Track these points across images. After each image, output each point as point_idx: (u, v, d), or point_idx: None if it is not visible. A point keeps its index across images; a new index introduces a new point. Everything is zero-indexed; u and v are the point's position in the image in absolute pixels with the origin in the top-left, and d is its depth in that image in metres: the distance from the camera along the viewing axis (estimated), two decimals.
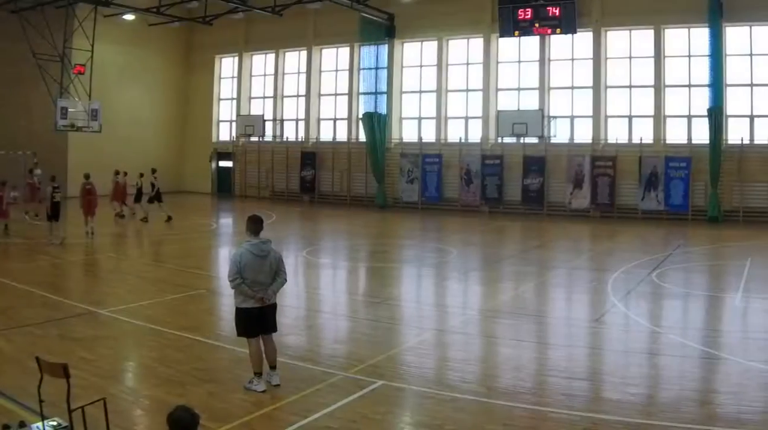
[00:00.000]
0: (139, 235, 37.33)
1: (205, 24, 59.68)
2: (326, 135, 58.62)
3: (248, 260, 12.46)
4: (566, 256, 30.71)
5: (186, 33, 64.52)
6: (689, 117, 46.70)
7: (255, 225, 12.85)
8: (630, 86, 48.41)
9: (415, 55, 55.28)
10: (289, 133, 60.47)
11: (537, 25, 48.79)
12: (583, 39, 48.87)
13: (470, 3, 51.34)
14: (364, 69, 54.68)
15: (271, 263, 12.73)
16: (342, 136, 57.83)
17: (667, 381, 13.28)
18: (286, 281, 13.17)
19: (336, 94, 58.39)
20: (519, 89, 51.48)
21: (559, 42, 49.93)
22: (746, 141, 44.78)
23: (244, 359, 13.22)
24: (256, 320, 12.69)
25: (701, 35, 45.26)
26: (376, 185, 54.07)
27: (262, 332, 12.84)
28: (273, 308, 12.99)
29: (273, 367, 12.87)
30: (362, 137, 54.83)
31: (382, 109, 53.76)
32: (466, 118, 53.30)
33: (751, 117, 45.35)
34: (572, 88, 49.95)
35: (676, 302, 21.27)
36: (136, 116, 60.02)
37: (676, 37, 47.17)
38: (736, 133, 45.03)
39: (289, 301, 19.29)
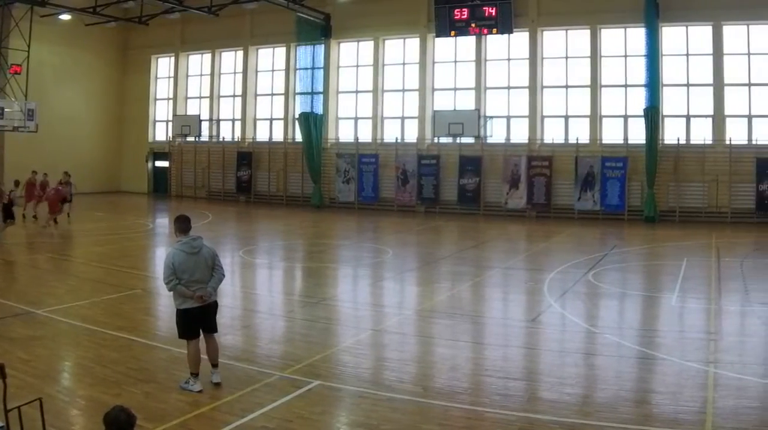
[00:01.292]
0: (75, 235, 34.92)
1: (141, 24, 56.41)
2: (263, 135, 55.95)
3: (181, 260, 11.82)
4: (502, 256, 29.38)
5: (122, 33, 61.02)
6: (625, 117, 44.81)
7: (182, 224, 12.25)
8: (566, 86, 46.33)
9: (352, 55, 52.60)
10: (226, 133, 57.54)
11: (473, 25, 46.84)
12: (520, 39, 46.81)
13: (406, 3, 49.03)
14: (300, 69, 51.78)
15: (206, 260, 12.04)
16: (278, 136, 55.16)
17: (604, 381, 12.88)
18: (223, 276, 12.50)
19: (272, 94, 55.67)
20: (455, 89, 49.22)
21: (495, 42, 47.87)
22: (682, 141, 43.16)
23: (180, 359, 12.84)
24: (198, 321, 12.05)
25: (638, 35, 43.43)
26: (312, 185, 51.25)
27: (204, 332, 12.23)
28: (214, 306, 12.37)
29: (215, 365, 12.26)
30: (299, 137, 52.22)
31: (319, 109, 51.16)
32: (403, 118, 50.77)
33: (688, 117, 43.55)
34: (508, 88, 47.76)
35: (612, 302, 20.31)
36: (73, 116, 57.20)
37: (612, 37, 45.18)
38: (672, 133, 43.41)
39: (226, 301, 18.27)
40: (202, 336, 12.25)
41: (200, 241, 12.15)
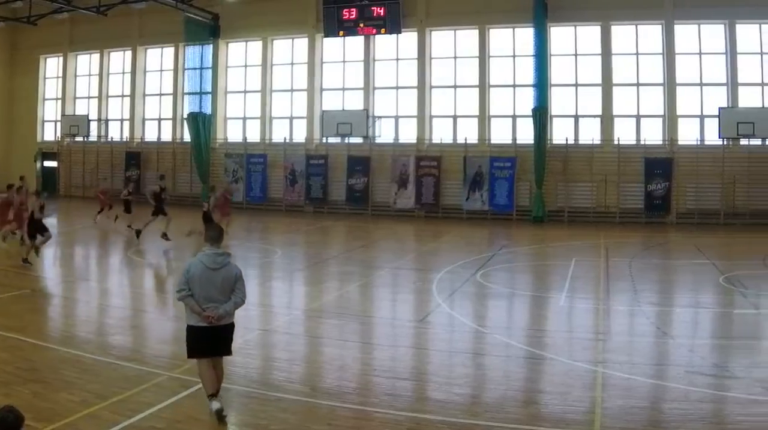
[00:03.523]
0: None
1: (29, 24, 48.72)
2: (151, 135, 48.93)
3: (198, 272, 9.54)
4: (391, 256, 26.66)
5: (10, 33, 52.91)
6: (514, 117, 40.05)
7: (214, 232, 9.98)
8: (455, 86, 41.31)
9: (240, 55, 46.28)
10: (114, 133, 50.00)
11: (362, 25, 41.66)
12: (408, 39, 41.61)
13: (295, 3, 43.27)
14: (188, 69, 45.28)
15: (224, 279, 9.61)
16: (167, 136, 48.25)
17: (492, 381, 11.98)
18: (243, 302, 9.83)
19: (161, 94, 48.43)
20: (344, 89, 43.55)
21: (384, 42, 42.50)
22: (571, 141, 38.85)
23: (69, 359, 12.09)
24: (205, 341, 9.66)
25: (526, 35, 38.94)
26: (201, 185, 44.95)
27: (213, 354, 9.82)
28: (227, 329, 9.83)
29: (212, 395, 9.68)
30: (187, 137, 45.72)
31: (207, 109, 44.82)
32: (291, 118, 44.84)
33: (576, 117, 39.22)
34: (397, 88, 42.37)
35: (500, 303, 18.77)
36: None
37: (500, 37, 40.44)
38: (560, 133, 39.11)
39: (114, 301, 17.75)
40: None
41: (226, 258, 9.84)
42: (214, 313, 9.53)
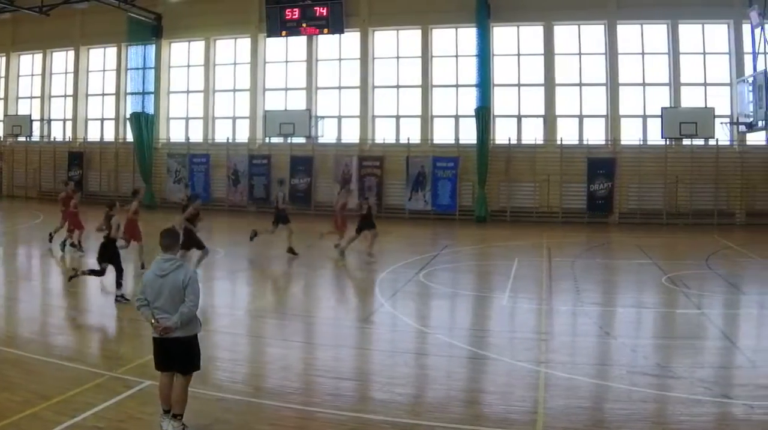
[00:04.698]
0: None
1: None
2: (94, 135, 44.97)
3: (148, 280, 8.49)
4: (335, 255, 23.27)
5: None
6: (457, 117, 37.17)
7: (162, 239, 8.67)
8: (397, 86, 38.17)
9: (183, 55, 42.65)
10: (57, 133, 46.11)
11: (304, 25, 38.49)
12: (351, 39, 38.43)
13: (237, 3, 39.83)
14: (131, 69, 41.86)
15: (171, 287, 8.26)
16: (110, 136, 44.38)
17: (435, 381, 11.17)
18: (189, 312, 8.29)
19: (103, 94, 44.48)
20: (286, 89, 40.15)
21: (326, 42, 39.27)
22: (513, 141, 35.99)
23: (11, 360, 11.31)
24: (159, 353, 8.54)
25: (469, 35, 36.09)
26: (143, 185, 41.23)
27: (167, 369, 8.53)
28: (177, 343, 8.36)
29: (173, 415, 8.50)
30: (130, 137, 42.13)
31: (150, 109, 41.31)
32: (234, 118, 41.29)
33: (519, 117, 36.39)
34: (340, 88, 39.13)
35: (443, 302, 17.64)
36: None
37: (443, 37, 37.46)
38: (503, 133, 36.16)
39: (56, 301, 16.67)
40: None
41: (171, 264, 8.37)
42: (161, 324, 8.33)
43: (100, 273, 16.24)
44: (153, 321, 8.39)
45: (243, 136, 40.80)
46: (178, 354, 8.50)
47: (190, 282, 8.39)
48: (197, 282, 8.48)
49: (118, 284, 15.77)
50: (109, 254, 16.04)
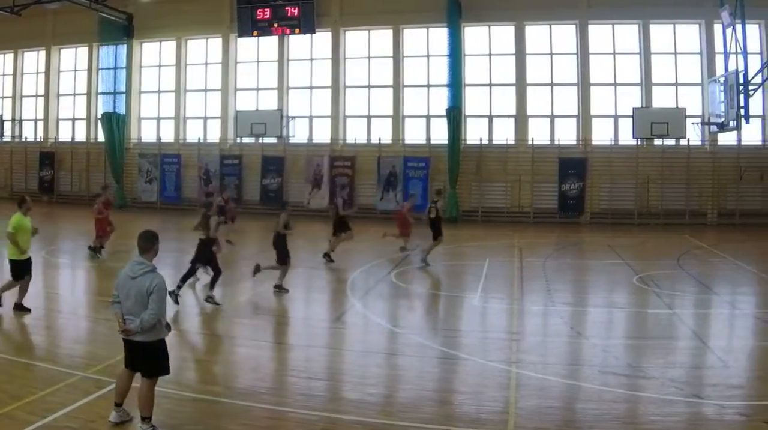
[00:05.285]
0: None
1: None
2: (65, 135, 43.10)
3: (120, 280, 8.24)
4: (305, 256, 22.28)
5: None
6: (428, 117, 35.68)
7: (138, 241, 8.31)
8: (369, 86, 36.65)
9: (154, 55, 40.88)
10: (28, 133, 44.07)
11: (276, 25, 36.85)
12: (322, 39, 36.86)
13: (209, 3, 38.08)
14: (103, 69, 40.07)
15: (137, 291, 8.00)
16: (81, 136, 42.46)
17: (406, 381, 10.74)
18: (150, 319, 7.95)
19: (75, 94, 42.58)
20: (258, 89, 38.46)
21: (298, 42, 37.62)
22: (485, 141, 34.57)
23: None
24: (125, 352, 8.37)
25: (440, 35, 34.64)
26: (114, 185, 39.25)
27: (131, 368, 8.38)
28: (140, 347, 8.15)
29: (141, 418, 8.17)
30: (101, 137, 40.25)
31: (121, 109, 39.49)
32: (205, 118, 39.48)
33: (490, 117, 34.97)
34: (311, 88, 37.52)
35: (415, 302, 17.00)
36: None
37: (414, 37, 35.94)
38: (474, 133, 34.69)
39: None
40: None
41: (142, 268, 8.08)
42: (125, 325, 8.13)
43: (191, 273, 15.53)
44: (120, 321, 8.21)
45: (214, 136, 39.11)
46: (141, 357, 8.27)
47: (155, 290, 8.06)
48: (164, 291, 8.14)
49: (212, 286, 15.15)
50: (206, 255, 15.34)
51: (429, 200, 22.94)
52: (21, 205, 14.22)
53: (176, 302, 14.58)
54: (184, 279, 15.28)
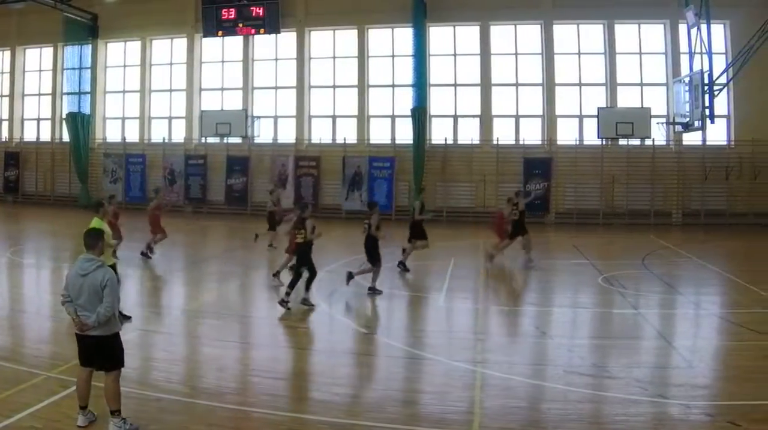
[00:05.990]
0: None
1: None
2: (30, 135, 40.87)
3: (70, 277, 7.95)
4: (271, 256, 21.72)
5: None
6: (393, 117, 33.97)
7: (85, 238, 8.07)
8: (334, 86, 34.86)
9: (119, 55, 38.79)
10: None
11: (241, 25, 34.94)
12: (287, 39, 35.04)
13: (174, 3, 36.12)
14: (68, 69, 37.97)
15: (89, 287, 7.74)
16: (46, 136, 40.33)
17: (372, 381, 10.37)
18: (106, 313, 7.71)
19: (40, 94, 40.33)
20: (223, 89, 36.45)
21: (263, 42, 35.76)
22: (450, 141, 32.83)
23: None
24: (80, 349, 8.01)
25: (405, 35, 32.88)
26: (79, 185, 37.84)
27: (88, 365, 8.03)
28: (97, 341, 7.87)
29: (111, 412, 7.93)
30: (66, 137, 38.20)
31: (86, 110, 37.35)
32: (170, 119, 37.42)
33: (455, 117, 33.25)
34: (276, 88, 35.67)
35: (380, 303, 15.53)
36: None
37: (379, 37, 34.24)
38: (439, 133, 32.99)
39: None
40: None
41: (92, 264, 7.79)
42: (80, 321, 7.78)
43: (298, 279, 14.43)
44: (75, 318, 7.94)
45: (179, 136, 37.16)
46: (98, 352, 8.02)
47: (108, 283, 7.86)
48: (116, 284, 7.94)
49: (307, 288, 14.38)
50: (307, 258, 14.40)
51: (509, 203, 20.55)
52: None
53: (288, 308, 13.91)
54: (291, 285, 14.28)
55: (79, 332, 7.90)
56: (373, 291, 15.50)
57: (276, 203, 23.71)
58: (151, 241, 20.51)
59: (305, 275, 14.24)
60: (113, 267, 12.95)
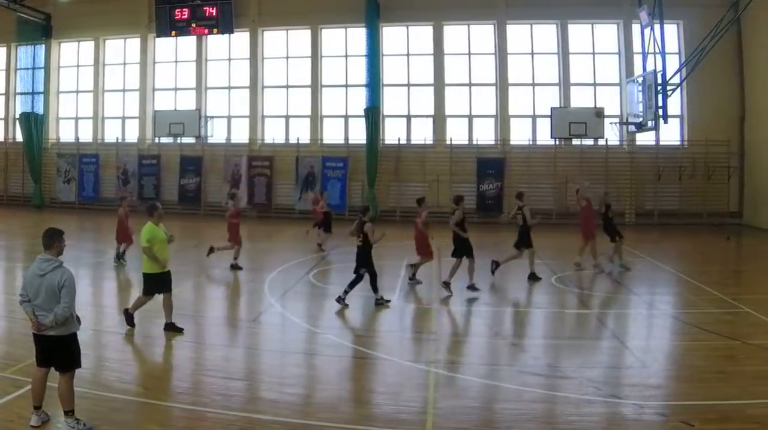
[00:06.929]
0: None
1: None
2: None
3: (28, 277, 7.54)
4: (224, 256, 19.72)
5: None
6: (346, 117, 31.79)
7: (43, 238, 7.63)
8: (287, 86, 32.65)
9: (72, 55, 36.18)
10: None
11: (194, 25, 32.72)
12: (241, 39, 32.80)
13: (127, 3, 33.69)
14: (21, 69, 35.39)
15: (47, 287, 7.31)
16: None
17: (325, 381, 9.70)
18: (63, 313, 7.27)
19: None
20: (176, 89, 34.08)
21: (216, 42, 33.43)
22: (403, 141, 30.80)
23: None
24: (37, 349, 7.62)
25: (358, 35, 30.86)
26: (33, 185, 35.26)
27: (45, 365, 7.62)
28: (54, 341, 7.46)
29: (65, 412, 7.52)
30: (19, 137, 35.64)
31: (39, 110, 34.84)
32: (123, 118, 34.90)
33: (408, 117, 31.21)
34: (229, 88, 33.34)
35: (333, 302, 13.98)
36: None
37: (333, 37, 32.07)
38: (393, 133, 30.97)
39: None
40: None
41: (50, 264, 7.39)
42: (37, 321, 7.33)
43: (359, 280, 13.79)
44: (32, 318, 7.45)
45: (132, 136, 34.69)
46: (56, 352, 7.57)
47: (66, 284, 7.37)
48: (73, 284, 7.36)
49: (375, 289, 13.79)
50: (368, 260, 13.76)
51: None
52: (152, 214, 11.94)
53: (346, 306, 13.50)
54: (351, 285, 13.72)
55: (36, 331, 7.48)
56: (473, 288, 15.11)
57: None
58: (235, 251, 18.21)
59: (365, 276, 13.69)
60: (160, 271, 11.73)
